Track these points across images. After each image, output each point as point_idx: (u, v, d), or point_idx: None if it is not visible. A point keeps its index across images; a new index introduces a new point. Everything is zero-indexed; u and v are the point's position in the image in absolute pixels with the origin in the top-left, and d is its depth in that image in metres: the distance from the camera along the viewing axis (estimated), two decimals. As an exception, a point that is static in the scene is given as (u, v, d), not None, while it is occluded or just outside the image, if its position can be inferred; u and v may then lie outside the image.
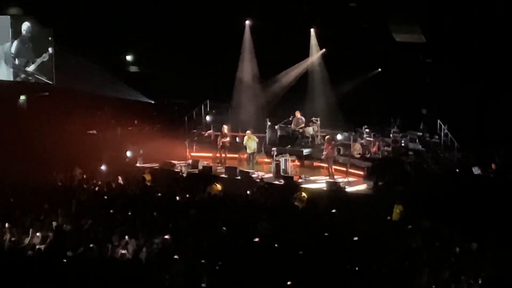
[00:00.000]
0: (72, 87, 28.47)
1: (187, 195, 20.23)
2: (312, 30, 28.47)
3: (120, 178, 22.39)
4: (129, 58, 31.09)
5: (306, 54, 28.94)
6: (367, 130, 25.48)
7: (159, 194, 20.27)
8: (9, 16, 28.89)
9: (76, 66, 28.39)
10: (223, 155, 25.51)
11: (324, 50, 28.73)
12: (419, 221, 16.98)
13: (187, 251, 14.39)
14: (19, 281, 12.61)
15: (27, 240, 15.76)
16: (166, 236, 15.33)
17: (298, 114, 26.30)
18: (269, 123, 26.45)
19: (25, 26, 28.88)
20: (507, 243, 14.77)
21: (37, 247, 14.92)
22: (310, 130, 26.13)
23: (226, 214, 17.47)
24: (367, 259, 14.08)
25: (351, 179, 22.93)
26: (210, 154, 26.11)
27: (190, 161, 24.94)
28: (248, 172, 23.30)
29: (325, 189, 21.55)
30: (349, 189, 21.65)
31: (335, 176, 23.07)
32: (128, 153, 25.80)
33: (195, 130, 28.49)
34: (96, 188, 21.39)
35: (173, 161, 24.82)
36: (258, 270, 13.23)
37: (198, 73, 28.50)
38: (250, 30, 28.78)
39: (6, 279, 12.58)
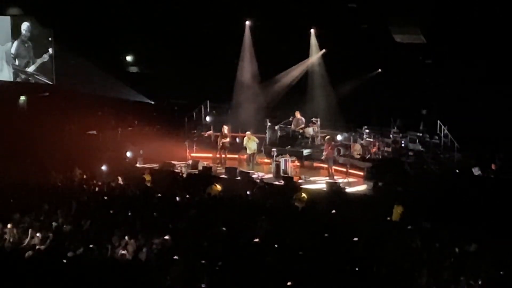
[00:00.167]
0: (72, 88, 28.51)
1: (187, 196, 20.22)
2: (312, 30, 28.46)
3: (120, 178, 22.39)
4: (129, 58, 31.10)
5: (306, 54, 28.93)
6: (367, 130, 25.48)
7: (159, 195, 20.27)
8: (9, 17, 28.90)
9: (76, 66, 28.44)
10: (223, 155, 25.50)
11: (324, 50, 28.72)
12: (419, 222, 16.98)
13: (187, 252, 14.41)
14: (19, 282, 12.62)
15: (27, 241, 15.78)
16: (166, 237, 15.35)
17: (298, 114, 26.30)
18: (269, 124, 26.46)
19: (25, 26, 28.90)
20: (507, 243, 14.76)
21: (37, 247, 14.93)
22: (310, 130, 26.13)
23: (226, 214, 17.47)
24: (366, 259, 14.09)
25: (351, 179, 22.92)
26: (210, 155, 26.11)
27: (190, 162, 24.93)
28: (248, 173, 23.30)
29: (325, 189, 21.54)
30: (349, 189, 21.65)
31: (335, 177, 23.06)
32: (128, 154, 25.79)
33: (195, 131, 28.50)
34: (96, 189, 21.40)
35: (173, 162, 24.82)
36: (258, 270, 13.25)
37: (198, 74, 28.50)
38: (250, 31, 28.77)
39: (6, 280, 12.59)
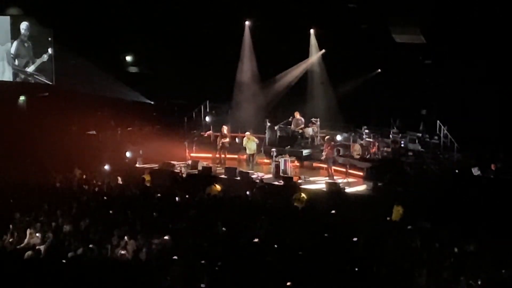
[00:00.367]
0: (72, 88, 28.49)
1: (187, 196, 20.23)
2: (311, 30, 28.44)
3: (119, 178, 22.40)
4: (128, 58, 31.06)
5: (305, 54, 28.91)
6: (366, 130, 25.46)
7: (159, 195, 20.28)
8: (8, 17, 28.89)
9: (75, 66, 28.42)
10: (222, 155, 25.51)
11: (323, 50, 28.70)
12: (419, 222, 16.98)
13: (186, 252, 14.41)
14: (19, 282, 12.62)
15: (26, 241, 15.78)
16: (166, 237, 15.34)
17: (297, 115, 26.29)
18: (268, 124, 26.45)
19: (24, 25, 28.88)
20: (507, 243, 14.76)
21: (37, 247, 14.91)
22: (309, 130, 26.12)
23: (225, 214, 17.48)
24: (366, 259, 14.10)
25: (350, 179, 22.94)
26: (210, 155, 26.10)
27: (189, 162, 24.93)
28: (248, 173, 23.31)
29: (324, 189, 21.55)
30: (348, 189, 21.66)
31: (335, 177, 23.08)
32: (128, 154, 25.78)
33: (194, 131, 28.47)
34: (96, 189, 21.40)
35: (172, 162, 24.81)
36: (257, 270, 13.25)
37: (198, 74, 28.48)
38: (250, 31, 28.76)
39: (6, 280, 12.58)
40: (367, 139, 25.09)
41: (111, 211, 18.06)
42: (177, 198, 19.85)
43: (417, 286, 13.05)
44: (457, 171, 22.47)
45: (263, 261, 13.81)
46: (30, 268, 13.46)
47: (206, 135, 27.50)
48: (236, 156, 25.75)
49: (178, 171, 23.97)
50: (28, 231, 16.01)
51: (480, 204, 18.43)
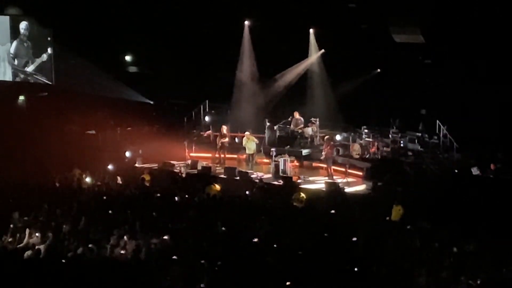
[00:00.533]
0: (71, 88, 28.47)
1: (186, 196, 20.22)
2: (311, 30, 28.44)
3: (119, 178, 22.39)
4: (128, 58, 31.05)
5: (305, 54, 28.91)
6: (366, 130, 25.46)
7: (158, 195, 20.28)
8: (8, 17, 28.87)
9: (75, 66, 28.41)
10: (222, 155, 25.52)
11: (323, 50, 28.70)
12: (418, 222, 16.98)
13: (186, 252, 14.41)
14: (18, 282, 12.62)
15: (26, 240, 15.78)
16: (165, 237, 15.35)
17: (297, 114, 26.28)
18: (268, 124, 26.44)
19: (23, 25, 28.83)
20: (506, 243, 14.77)
21: (37, 247, 14.92)
22: (309, 130, 26.11)
23: (225, 214, 17.48)
24: (366, 259, 14.10)
25: (350, 179, 22.95)
26: (209, 155, 26.11)
27: (189, 162, 24.94)
28: (247, 173, 23.31)
29: (324, 189, 21.54)
30: (348, 189, 21.64)
31: (334, 177, 23.08)
32: (127, 154, 25.79)
33: (194, 131, 28.48)
34: (96, 189, 21.39)
35: (172, 162, 24.81)
36: (257, 270, 13.25)
37: (197, 74, 28.49)
38: (249, 31, 28.75)
39: (5, 280, 12.59)
40: (367, 139, 25.09)
41: (110, 211, 18.06)
42: (176, 198, 19.84)
43: (416, 286, 13.05)
44: (456, 171, 22.48)
45: (263, 261, 13.82)
46: (29, 268, 13.47)
47: (205, 135, 27.51)
48: (235, 156, 25.75)
49: (178, 171, 23.98)
50: (27, 231, 16.02)
51: (480, 204, 18.43)
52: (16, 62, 29.23)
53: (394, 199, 18.84)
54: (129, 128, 28.38)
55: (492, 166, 21.57)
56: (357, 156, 24.25)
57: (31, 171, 22.30)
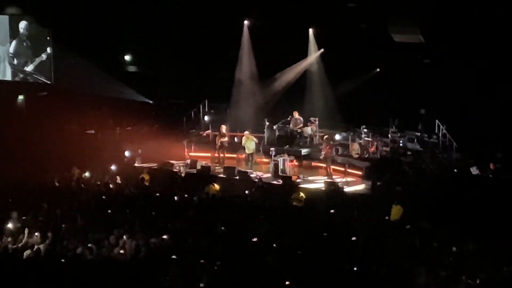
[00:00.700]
0: (71, 87, 28.48)
1: (186, 195, 20.23)
2: (310, 30, 28.42)
3: (118, 178, 22.39)
4: (127, 58, 31.04)
5: (304, 54, 28.90)
6: (365, 130, 25.44)
7: (158, 194, 20.29)
8: (7, 16, 28.87)
9: (74, 66, 28.42)
10: (221, 155, 25.52)
11: (322, 50, 28.69)
12: (418, 221, 16.98)
13: (186, 251, 14.41)
14: (18, 281, 12.61)
15: (25, 240, 15.77)
16: (165, 236, 15.34)
17: (296, 114, 26.26)
18: (267, 123, 26.42)
19: (22, 24, 28.84)
20: (506, 243, 14.77)
21: (36, 247, 14.92)
22: (308, 130, 26.10)
23: (224, 214, 17.50)
24: (365, 259, 14.10)
25: (349, 179, 22.94)
26: (209, 154, 26.10)
27: (188, 161, 24.94)
28: (247, 172, 23.31)
29: (323, 189, 21.54)
30: (347, 189, 21.65)
31: (333, 176, 23.08)
32: (127, 153, 25.77)
33: (193, 130, 28.46)
34: (95, 188, 21.38)
35: (171, 161, 24.80)
36: (256, 270, 13.25)
37: (196, 73, 28.48)
38: (248, 30, 28.74)
39: (5, 279, 12.58)
40: (366, 138, 25.08)
41: (110, 211, 18.06)
42: (176, 198, 19.84)
43: (416, 285, 13.05)
44: (456, 170, 22.49)
45: (262, 261, 13.82)
46: (29, 268, 13.46)
47: (205, 134, 27.50)
48: (235, 156, 25.75)
49: (177, 170, 23.98)
50: (26, 231, 16.00)
51: (479, 203, 18.44)
52: (15, 61, 29.23)
53: (393, 198, 18.86)
54: (128, 128, 28.38)
55: (491, 166, 21.58)
56: (357, 156, 24.26)
57: (30, 171, 22.29)
